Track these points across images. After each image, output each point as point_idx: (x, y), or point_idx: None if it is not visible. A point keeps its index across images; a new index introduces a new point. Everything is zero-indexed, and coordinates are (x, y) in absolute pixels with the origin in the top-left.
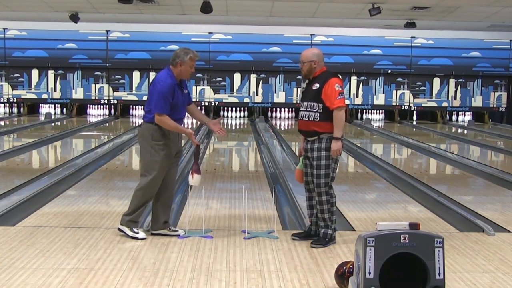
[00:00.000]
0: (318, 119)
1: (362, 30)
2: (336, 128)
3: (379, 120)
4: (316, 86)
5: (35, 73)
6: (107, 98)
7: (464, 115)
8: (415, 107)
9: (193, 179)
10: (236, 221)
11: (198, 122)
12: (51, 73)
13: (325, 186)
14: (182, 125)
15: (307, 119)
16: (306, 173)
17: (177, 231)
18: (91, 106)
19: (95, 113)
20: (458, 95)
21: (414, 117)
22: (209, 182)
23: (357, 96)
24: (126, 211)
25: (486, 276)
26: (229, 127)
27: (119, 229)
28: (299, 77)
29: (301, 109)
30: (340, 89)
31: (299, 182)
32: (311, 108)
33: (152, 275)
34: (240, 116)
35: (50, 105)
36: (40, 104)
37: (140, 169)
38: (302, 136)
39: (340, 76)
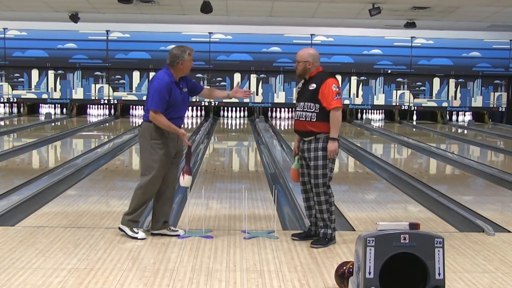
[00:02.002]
0: (315, 119)
1: (362, 30)
2: (333, 128)
3: (379, 120)
4: (313, 86)
5: (35, 73)
6: (107, 98)
7: (464, 115)
8: (415, 107)
9: (184, 180)
10: (236, 221)
11: (196, 123)
12: (51, 73)
13: (323, 186)
14: (182, 124)
15: (304, 119)
16: (303, 174)
17: (177, 231)
18: (91, 106)
19: (95, 113)
20: (458, 95)
21: (414, 117)
22: (209, 182)
23: (357, 96)
24: (126, 211)
25: (486, 276)
26: (229, 127)
27: (119, 228)
28: None
29: (297, 109)
30: (337, 89)
31: (294, 182)
32: (307, 108)
33: (152, 275)
34: (240, 116)
35: (50, 105)
36: (40, 104)
37: (140, 168)
38: (297, 136)
39: (340, 78)
